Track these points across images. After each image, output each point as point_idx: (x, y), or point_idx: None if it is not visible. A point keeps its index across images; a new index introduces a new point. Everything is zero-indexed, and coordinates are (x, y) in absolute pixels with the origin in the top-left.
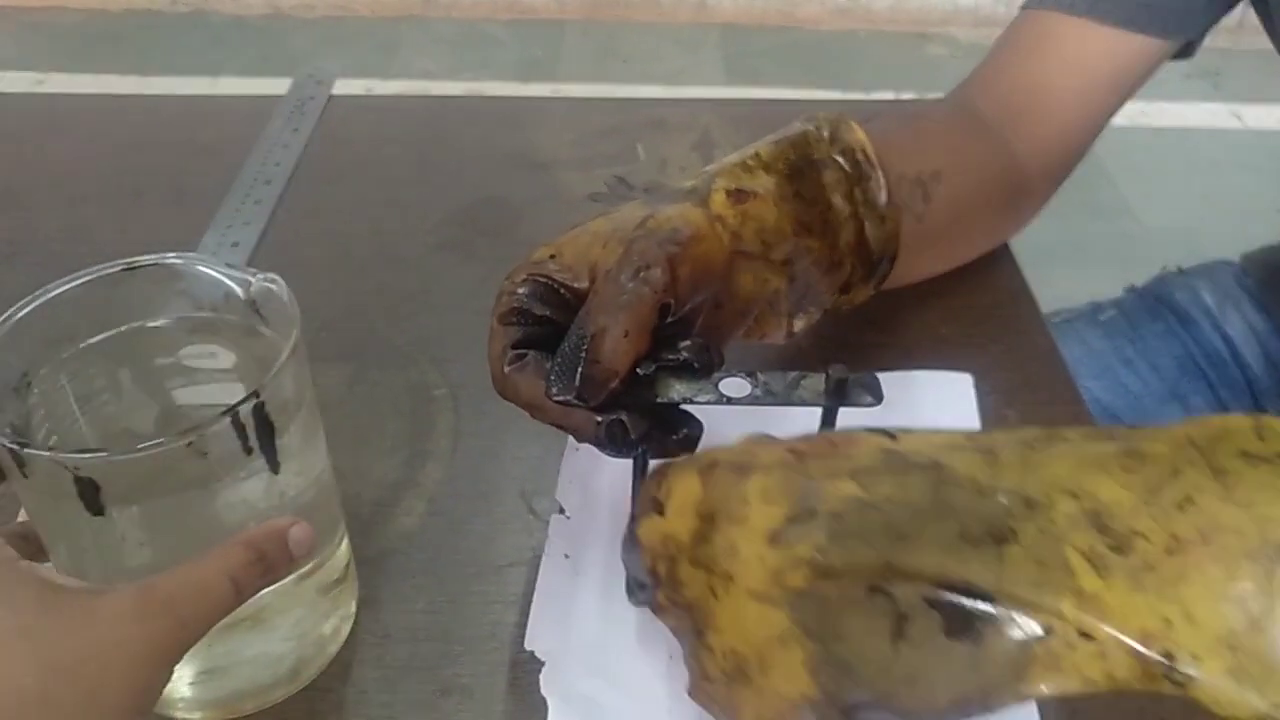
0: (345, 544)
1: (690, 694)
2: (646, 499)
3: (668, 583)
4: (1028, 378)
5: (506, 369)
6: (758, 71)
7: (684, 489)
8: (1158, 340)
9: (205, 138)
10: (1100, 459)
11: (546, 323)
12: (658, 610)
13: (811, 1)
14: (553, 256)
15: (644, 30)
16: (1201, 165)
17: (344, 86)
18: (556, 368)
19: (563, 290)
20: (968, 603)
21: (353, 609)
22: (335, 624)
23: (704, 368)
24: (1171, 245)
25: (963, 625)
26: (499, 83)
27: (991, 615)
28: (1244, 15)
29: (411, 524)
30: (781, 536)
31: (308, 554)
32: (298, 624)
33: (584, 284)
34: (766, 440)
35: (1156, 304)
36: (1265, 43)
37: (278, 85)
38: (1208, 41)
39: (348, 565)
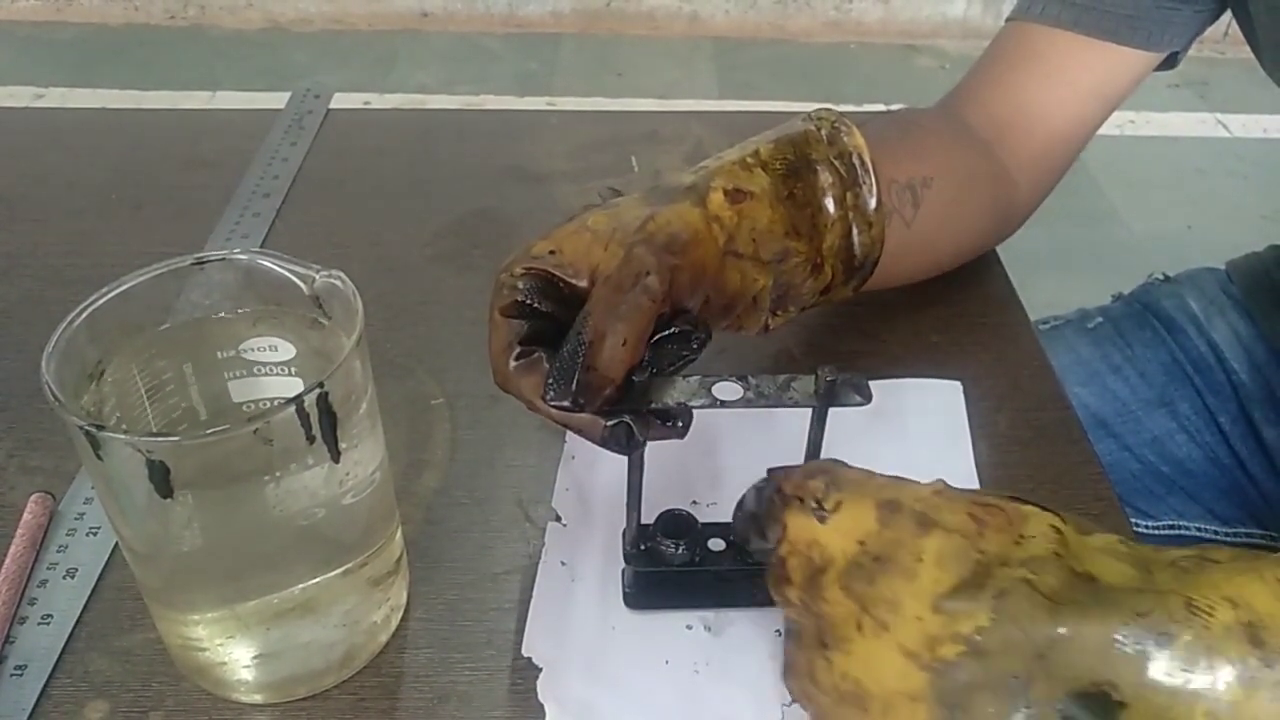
0: (399, 536)
1: (785, 678)
2: (803, 487)
3: (804, 585)
4: (1017, 385)
5: (512, 364)
6: (749, 84)
7: (858, 515)
8: (1145, 347)
9: (204, 151)
10: (1258, 571)
11: (547, 318)
12: (778, 588)
13: (802, 14)
14: (552, 253)
15: (638, 44)
16: (1188, 173)
17: (341, 100)
18: (554, 373)
19: (562, 285)
20: None
21: (404, 599)
22: (386, 613)
23: (699, 341)
24: (1158, 253)
25: None
26: (495, 96)
27: None
28: (1229, 26)
29: (409, 532)
30: (946, 606)
31: None
32: (349, 613)
33: (583, 283)
34: (948, 493)
35: (1144, 311)
36: (1250, 52)
37: (276, 99)
38: (1194, 51)
39: (400, 557)
